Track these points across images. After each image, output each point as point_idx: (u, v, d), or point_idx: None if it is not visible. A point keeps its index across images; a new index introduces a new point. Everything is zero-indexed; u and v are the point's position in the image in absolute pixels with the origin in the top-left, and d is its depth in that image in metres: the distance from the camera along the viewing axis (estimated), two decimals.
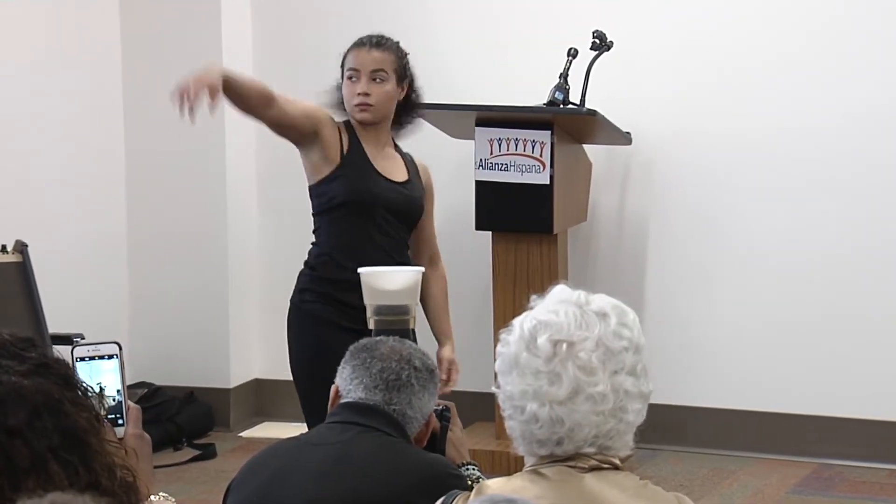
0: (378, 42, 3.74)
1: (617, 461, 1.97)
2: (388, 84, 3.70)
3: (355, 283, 3.25)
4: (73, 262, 5.44)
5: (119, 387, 1.92)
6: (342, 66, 3.77)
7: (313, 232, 3.82)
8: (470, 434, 4.20)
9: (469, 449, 2.74)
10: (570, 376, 1.91)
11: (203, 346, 5.68)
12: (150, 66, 5.62)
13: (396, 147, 3.81)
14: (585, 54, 4.96)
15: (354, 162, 3.69)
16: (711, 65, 5.14)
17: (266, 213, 5.75)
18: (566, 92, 4.91)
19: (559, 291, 1.99)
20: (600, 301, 1.98)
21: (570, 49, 4.96)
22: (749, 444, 5.15)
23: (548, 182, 4.82)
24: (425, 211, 3.80)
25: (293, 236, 5.77)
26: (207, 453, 5.31)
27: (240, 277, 5.73)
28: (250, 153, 5.75)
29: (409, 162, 3.81)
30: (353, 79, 3.69)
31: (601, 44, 4.96)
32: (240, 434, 5.58)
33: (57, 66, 5.42)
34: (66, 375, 1.57)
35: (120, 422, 1.91)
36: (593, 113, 4.85)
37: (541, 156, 4.83)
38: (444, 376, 3.67)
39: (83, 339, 4.43)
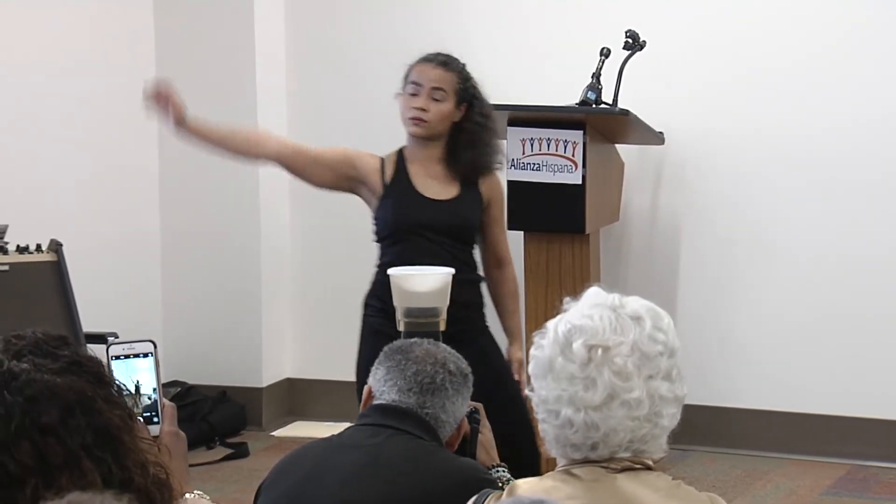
0: (444, 61, 3.83)
1: (650, 462, 1.96)
2: (446, 104, 3.78)
3: None
4: (108, 261, 5.47)
5: (154, 385, 1.93)
6: (405, 78, 3.84)
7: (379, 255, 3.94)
8: None
9: (494, 443, 2.73)
10: (605, 382, 1.89)
11: (235, 345, 5.70)
12: (183, 68, 5.64)
13: (452, 165, 3.83)
14: (618, 54, 4.94)
15: (397, 188, 3.79)
16: (744, 64, 5.12)
17: (298, 213, 5.77)
18: (598, 91, 4.90)
19: (593, 294, 1.97)
20: (635, 304, 1.96)
21: (603, 49, 4.95)
22: (783, 445, 5.13)
23: (580, 182, 4.81)
24: (491, 218, 3.88)
25: (325, 236, 5.79)
26: (240, 452, 5.33)
27: (272, 277, 5.75)
28: None
29: (464, 178, 3.84)
30: (414, 93, 3.77)
31: (634, 43, 4.94)
32: (272, 433, 5.59)
33: (92, 70, 5.46)
34: (98, 373, 1.58)
35: (155, 420, 1.92)
36: (626, 113, 4.83)
37: (573, 156, 4.82)
38: (515, 376, 3.84)
39: (117, 337, 4.46)
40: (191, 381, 5.58)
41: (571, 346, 1.91)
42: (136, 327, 5.04)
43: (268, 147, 3.89)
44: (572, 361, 1.91)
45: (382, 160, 3.84)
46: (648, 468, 1.95)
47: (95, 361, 1.59)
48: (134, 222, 5.66)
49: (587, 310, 1.94)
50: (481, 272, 3.94)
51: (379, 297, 3.80)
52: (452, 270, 3.21)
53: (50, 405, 1.51)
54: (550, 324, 1.96)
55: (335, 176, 3.83)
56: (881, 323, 5.01)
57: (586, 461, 1.94)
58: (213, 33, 5.63)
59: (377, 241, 3.89)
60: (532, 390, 1.97)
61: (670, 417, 1.93)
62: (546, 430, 1.95)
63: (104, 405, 1.54)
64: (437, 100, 3.76)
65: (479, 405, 2.67)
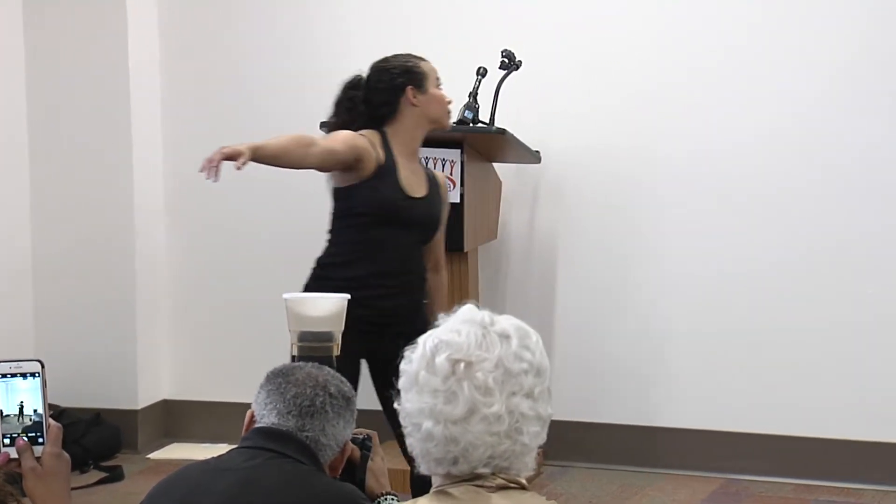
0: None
1: (523, 481, 1.98)
2: None
3: (364, 284, 3.64)
4: None
5: (38, 406, 1.90)
6: (413, 72, 3.94)
7: (329, 231, 3.95)
8: (383, 454, 4.18)
9: (386, 471, 2.72)
10: (465, 396, 1.91)
11: (110, 366, 5.60)
12: (53, 79, 5.57)
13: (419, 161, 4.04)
14: (494, 73, 4.99)
15: (384, 176, 3.86)
16: (620, 84, 5.20)
17: (174, 230, 5.70)
18: (476, 111, 4.94)
19: (466, 311, 1.99)
20: (505, 322, 1.98)
21: (479, 68, 4.99)
22: (658, 460, 5.20)
23: (458, 200, 4.84)
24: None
25: (202, 254, 5.73)
26: (115, 475, 5.24)
27: (147, 296, 5.67)
28: (157, 167, 5.69)
29: (429, 176, 4.00)
30: (441, 86, 4.00)
31: (510, 63, 4.99)
32: (148, 456, 5.51)
33: None
34: None
35: (40, 440, 1.89)
36: (503, 132, 4.87)
37: (451, 174, 4.85)
38: None
39: None
40: (64, 404, 5.47)
41: (435, 360, 1.93)
42: (6, 347, 4.93)
43: (312, 158, 3.81)
44: (435, 375, 1.93)
45: (369, 139, 3.89)
46: (523, 487, 1.97)
47: None
48: (4, 238, 5.54)
49: (456, 325, 1.96)
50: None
51: (324, 281, 3.77)
52: (348, 296, 3.19)
53: None
54: (421, 339, 1.98)
55: (340, 164, 3.84)
56: (753, 338, 5.11)
57: (456, 479, 1.95)
58: (85, 37, 5.52)
59: (338, 217, 3.90)
60: (399, 404, 1.98)
61: (532, 436, 1.95)
62: (412, 444, 1.97)
63: None
64: None
65: (374, 433, 2.66)
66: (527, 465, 1.97)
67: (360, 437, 2.60)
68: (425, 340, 1.97)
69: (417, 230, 3.92)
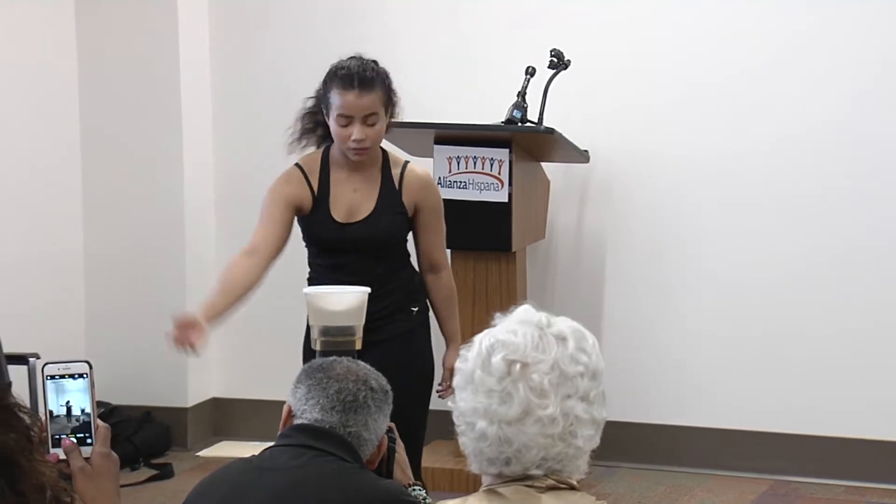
0: (365, 83, 3.63)
1: (574, 482, 1.97)
2: (380, 122, 3.66)
3: None
4: (30, 280, 5.40)
5: (87, 406, 1.91)
6: (325, 97, 3.68)
7: None
8: (428, 452, 4.18)
9: (428, 467, 2.73)
10: (521, 397, 1.90)
11: (160, 365, 5.64)
12: (105, 78, 5.61)
13: (386, 164, 3.75)
14: (543, 73, 4.98)
15: (317, 207, 3.72)
16: (669, 83, 5.18)
17: (224, 231, 5.73)
18: (524, 110, 4.93)
19: (522, 311, 1.98)
20: (562, 324, 1.97)
21: (528, 67, 4.98)
22: (706, 461, 5.17)
23: (506, 200, 4.83)
24: (420, 224, 3.77)
25: None
26: (165, 473, 5.28)
27: (197, 295, 5.68)
28: (208, 170, 5.73)
29: (388, 184, 3.74)
30: (345, 125, 3.63)
31: (559, 62, 4.98)
32: (197, 454, 5.54)
33: (16, 85, 5.39)
34: None
35: (88, 441, 1.91)
36: (551, 131, 4.86)
37: (499, 174, 4.85)
38: (445, 383, 3.78)
39: (38, 358, 4.39)
40: (114, 402, 5.52)
41: (491, 360, 1.92)
42: (58, 347, 4.97)
43: (263, 265, 3.77)
44: (491, 375, 1.92)
45: (301, 169, 3.74)
46: (573, 488, 1.96)
47: None
48: (57, 240, 5.59)
49: (513, 326, 1.96)
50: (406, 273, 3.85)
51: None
52: (368, 289, 3.19)
53: None
54: (477, 337, 1.97)
55: (288, 223, 3.77)
56: (803, 339, 5.07)
57: (507, 479, 1.94)
58: (136, 33, 5.56)
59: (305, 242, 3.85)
60: (454, 402, 1.98)
61: (586, 439, 1.94)
62: (465, 443, 1.97)
63: None
64: (371, 125, 3.64)
65: (392, 424, 2.66)
66: (579, 468, 1.96)
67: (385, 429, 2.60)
68: (481, 339, 1.96)
69: (360, 252, 3.70)
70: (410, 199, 3.75)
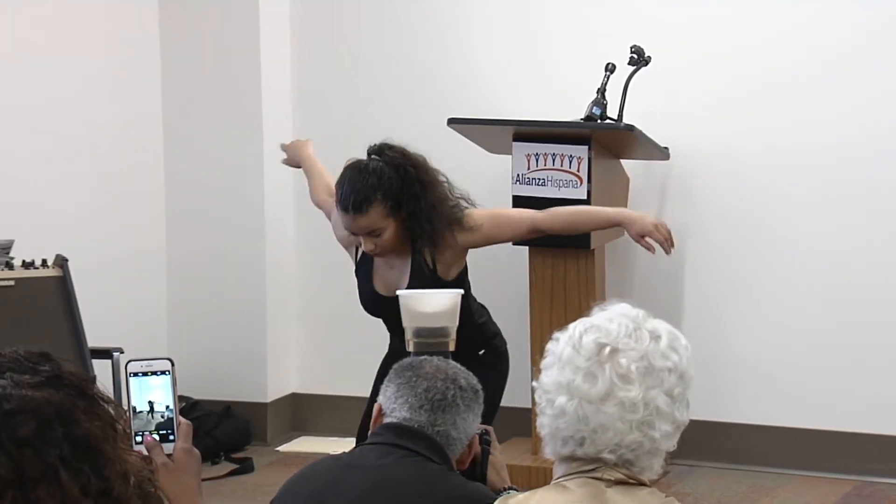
0: (358, 207, 3.69)
1: (644, 479, 1.96)
2: (388, 230, 3.71)
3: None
4: (113, 276, 5.48)
5: (170, 403, 1.94)
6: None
7: None
8: (506, 450, 4.18)
9: (506, 465, 2.73)
10: (605, 377, 1.92)
11: (240, 360, 5.70)
12: (188, 74, 5.67)
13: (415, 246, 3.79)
14: (623, 69, 4.95)
15: (360, 272, 3.88)
16: (749, 79, 5.12)
17: (303, 228, 5.77)
18: (604, 107, 4.91)
19: (621, 307, 2.02)
20: (658, 323, 2.00)
21: (608, 64, 4.96)
22: (789, 461, 5.12)
23: (585, 197, 4.82)
24: (492, 240, 3.86)
25: (330, 251, 5.78)
26: (245, 467, 5.32)
27: (277, 292, 5.75)
28: (289, 169, 5.76)
29: (417, 265, 3.76)
30: (354, 233, 3.78)
31: (639, 59, 4.95)
32: (277, 448, 5.59)
33: (99, 86, 5.47)
34: (79, 386, 1.59)
35: (171, 437, 1.93)
36: (631, 128, 4.84)
37: (578, 171, 4.83)
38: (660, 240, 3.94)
39: (122, 353, 4.46)
40: (196, 396, 5.58)
41: (582, 340, 1.95)
42: (141, 342, 5.04)
43: (317, 197, 4.18)
44: (580, 353, 1.94)
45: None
46: (642, 483, 1.95)
47: (78, 375, 1.61)
48: (140, 237, 5.67)
49: (610, 315, 1.98)
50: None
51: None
52: (461, 291, 3.21)
53: (26, 418, 1.52)
54: (572, 324, 2.00)
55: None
56: (888, 338, 5.00)
57: (578, 470, 1.94)
58: (219, 35, 5.63)
59: None
60: (538, 382, 1.99)
61: (664, 434, 1.93)
62: (542, 422, 1.97)
63: (83, 417, 1.56)
64: (377, 236, 3.72)
65: (490, 427, 2.66)
66: (652, 467, 1.95)
67: (479, 431, 2.60)
68: (576, 324, 1.99)
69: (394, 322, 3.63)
70: (452, 259, 3.79)
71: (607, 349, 1.93)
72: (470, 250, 3.88)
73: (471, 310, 3.83)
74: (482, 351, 3.88)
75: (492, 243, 3.95)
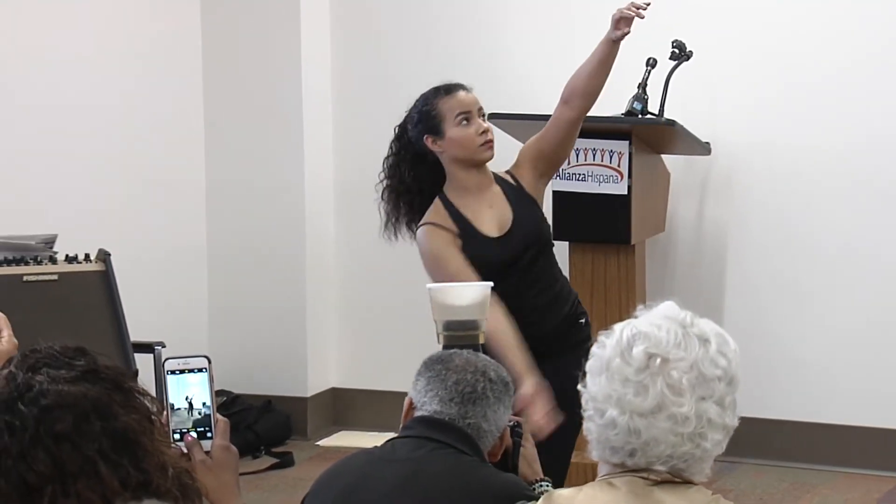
0: (465, 86, 3.71)
1: (692, 479, 1.95)
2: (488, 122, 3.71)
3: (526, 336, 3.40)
4: (155, 271, 5.51)
5: (207, 400, 1.95)
6: (430, 115, 3.65)
7: None
8: None
9: (538, 457, 2.72)
10: (657, 391, 1.90)
11: (281, 355, 5.72)
12: (230, 74, 5.70)
13: (496, 175, 3.72)
14: (664, 64, 4.93)
15: (468, 240, 3.61)
16: (791, 74, 5.09)
17: (343, 224, 5.78)
18: (644, 102, 4.89)
19: (667, 307, 1.98)
20: (705, 325, 1.97)
21: (649, 59, 4.94)
22: (831, 458, 5.08)
23: (625, 192, 4.80)
24: (529, 147, 3.76)
25: (370, 247, 5.79)
26: (285, 461, 5.35)
27: (317, 288, 5.77)
28: (328, 165, 5.79)
29: (507, 186, 3.70)
30: (466, 121, 3.62)
31: (680, 53, 4.93)
32: (317, 443, 5.61)
33: (141, 82, 5.51)
34: (116, 379, 1.60)
35: (209, 434, 1.94)
36: (672, 123, 4.82)
37: (619, 166, 4.81)
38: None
39: (164, 347, 4.49)
40: (236, 391, 5.61)
41: (632, 350, 1.92)
42: (182, 337, 5.07)
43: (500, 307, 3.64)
44: (629, 365, 1.92)
45: (433, 224, 3.64)
46: (689, 482, 1.94)
47: (114, 369, 1.61)
48: (181, 233, 5.70)
49: (657, 320, 1.95)
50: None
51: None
52: (490, 284, 3.17)
53: (64, 413, 1.53)
54: (618, 326, 1.97)
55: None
56: None
57: (625, 470, 1.93)
58: (260, 35, 5.65)
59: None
60: (584, 386, 1.97)
61: (714, 443, 1.93)
62: (590, 428, 1.96)
63: (120, 410, 1.56)
64: (483, 118, 3.67)
65: (523, 419, 2.66)
66: (702, 471, 1.95)
67: (511, 423, 2.60)
68: (623, 328, 1.96)
69: (536, 255, 3.63)
70: (530, 175, 3.72)
71: (658, 360, 1.91)
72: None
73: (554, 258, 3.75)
74: (582, 320, 3.71)
75: (546, 158, 3.74)
